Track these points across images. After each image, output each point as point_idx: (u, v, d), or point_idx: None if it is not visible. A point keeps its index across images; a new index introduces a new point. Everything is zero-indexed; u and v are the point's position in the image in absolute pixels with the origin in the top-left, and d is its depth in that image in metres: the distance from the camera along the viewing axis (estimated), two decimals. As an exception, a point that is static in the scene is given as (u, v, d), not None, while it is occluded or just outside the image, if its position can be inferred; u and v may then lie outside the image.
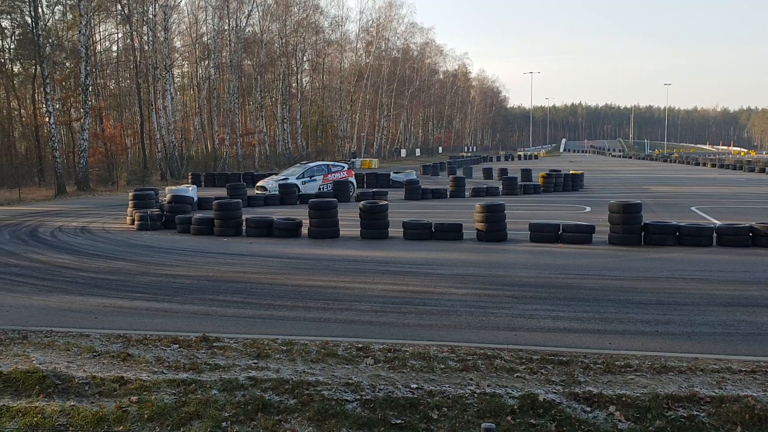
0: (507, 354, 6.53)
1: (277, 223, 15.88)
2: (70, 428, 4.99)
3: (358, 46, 73.73)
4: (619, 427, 4.89)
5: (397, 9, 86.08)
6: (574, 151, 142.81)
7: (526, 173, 36.90)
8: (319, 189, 26.58)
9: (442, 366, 6.14)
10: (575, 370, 6.03)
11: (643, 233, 14.19)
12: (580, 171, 36.34)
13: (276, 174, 30.09)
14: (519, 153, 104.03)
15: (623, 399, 5.30)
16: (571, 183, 32.01)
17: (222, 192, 26.24)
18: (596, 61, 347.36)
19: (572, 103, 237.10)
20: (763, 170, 51.05)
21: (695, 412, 5.08)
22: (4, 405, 5.33)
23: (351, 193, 26.36)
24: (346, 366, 6.17)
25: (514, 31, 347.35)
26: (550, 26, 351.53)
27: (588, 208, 22.21)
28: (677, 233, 14.07)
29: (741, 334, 7.48)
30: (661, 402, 5.26)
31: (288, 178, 26.80)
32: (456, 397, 5.37)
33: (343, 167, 29.49)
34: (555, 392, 5.45)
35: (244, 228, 16.27)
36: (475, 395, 5.40)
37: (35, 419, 5.10)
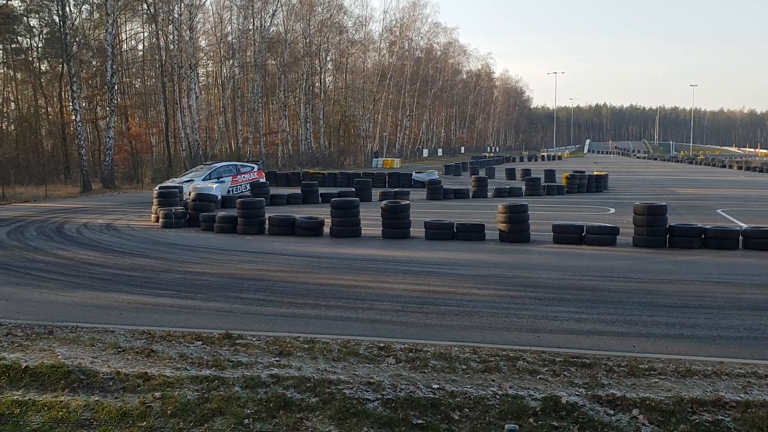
0: (529, 356, 6.50)
1: (300, 221, 15.95)
2: (95, 423, 5.05)
3: (382, 45, 73.83)
4: (642, 430, 4.85)
5: (421, 9, 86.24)
6: (598, 152, 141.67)
7: (550, 174, 36.66)
8: (229, 192, 24.26)
9: (464, 367, 6.12)
10: (598, 373, 5.98)
11: (668, 235, 14.04)
12: (604, 172, 36.04)
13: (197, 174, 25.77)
14: (542, 154, 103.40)
15: (647, 402, 5.25)
16: (595, 184, 31.76)
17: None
18: (621, 62, 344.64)
19: (596, 104, 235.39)
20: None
21: (720, 417, 5.01)
22: (30, 399, 5.41)
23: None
24: (368, 365, 6.18)
25: (538, 31, 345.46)
26: (575, 26, 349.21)
27: (612, 210, 22.02)
28: (703, 236, 13.90)
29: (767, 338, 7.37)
30: (686, 406, 5.20)
31: (193, 180, 24.03)
32: (478, 398, 5.35)
33: (253, 168, 27.20)
34: (578, 395, 5.41)
35: (266, 226, 16.36)
36: (497, 396, 5.38)
37: (60, 413, 5.17)
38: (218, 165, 26.26)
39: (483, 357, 6.40)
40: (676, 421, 4.96)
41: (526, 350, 6.73)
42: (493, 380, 5.78)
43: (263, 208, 16.79)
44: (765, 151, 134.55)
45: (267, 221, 16.41)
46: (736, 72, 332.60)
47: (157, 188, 21.65)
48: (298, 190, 25.75)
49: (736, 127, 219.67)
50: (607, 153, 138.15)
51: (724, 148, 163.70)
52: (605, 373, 5.99)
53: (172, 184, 23.49)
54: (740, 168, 63.13)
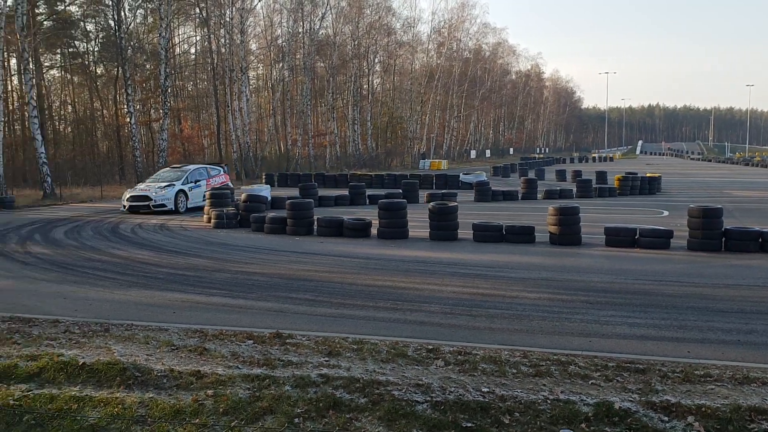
0: (581, 360, 6.40)
1: (348, 222, 16.03)
2: (149, 419, 5.16)
3: (430, 47, 73.74)
4: (698, 438, 4.73)
5: (470, 9, 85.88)
6: (650, 154, 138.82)
7: (601, 175, 36.06)
8: (204, 197, 21.59)
9: (514, 371, 6.06)
10: (652, 379, 5.85)
11: (723, 239, 13.67)
12: (657, 174, 35.28)
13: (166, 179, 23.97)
14: (593, 155, 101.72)
15: (703, 409, 5.12)
16: (648, 186, 31.10)
17: (294, 192, 26.67)
18: (674, 62, 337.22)
19: (649, 105, 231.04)
20: None
21: (781, 426, 4.86)
22: (87, 395, 5.56)
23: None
24: (416, 367, 6.17)
25: (589, 31, 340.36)
26: (627, 25, 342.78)
27: (666, 212, 21.54)
28: (760, 240, 13.48)
29: (832, 346, 7.10)
30: (744, 414, 5.05)
31: (173, 185, 22.83)
32: (528, 402, 5.29)
33: (220, 171, 25.75)
34: (631, 400, 5.31)
35: (315, 227, 16.50)
36: (548, 401, 5.31)
37: (116, 409, 5.30)
38: (191, 168, 24.63)
39: (533, 361, 6.33)
40: (733, 430, 4.83)
41: (577, 355, 6.63)
42: (544, 385, 5.71)
43: (312, 209, 16.94)
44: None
45: (315, 222, 16.55)
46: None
47: (125, 196, 22.97)
48: (345, 192, 25.89)
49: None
50: (659, 154, 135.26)
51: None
52: (659, 378, 5.87)
53: (140, 193, 22.44)
54: (801, 170, 61.06)
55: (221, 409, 5.24)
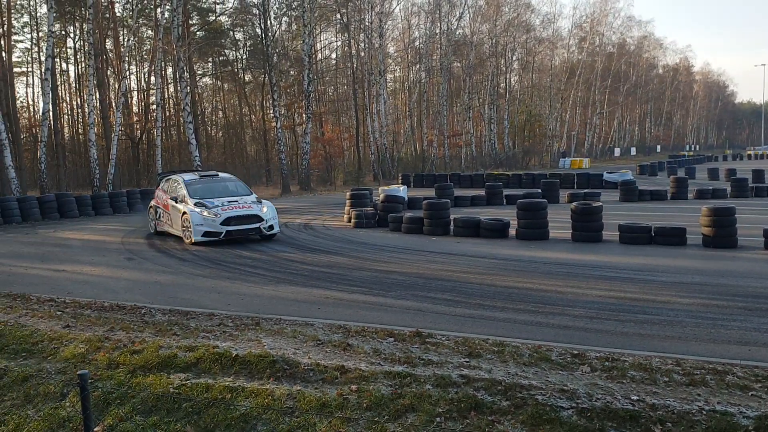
0: (740, 370, 5.97)
1: (485, 223, 15.89)
2: (296, 411, 5.36)
3: (571, 42, 71.69)
4: None
5: (613, 2, 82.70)
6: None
7: (758, 174, 33.47)
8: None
9: (666, 379, 5.76)
10: (824, 394, 5.36)
11: None
12: (826, 171, 32.28)
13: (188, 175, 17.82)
14: (748, 152, 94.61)
15: None
16: (815, 185, 28.51)
17: (430, 192, 26.78)
18: None
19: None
20: None
21: None
22: (239, 385, 5.86)
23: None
24: (561, 372, 6.01)
25: (742, 21, 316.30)
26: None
27: (836, 214, 19.68)
28: None
29: None
30: None
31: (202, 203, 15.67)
32: (682, 412, 5.01)
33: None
34: (801, 417, 4.89)
35: (451, 227, 16.49)
36: (704, 412, 5.00)
37: (266, 401, 5.54)
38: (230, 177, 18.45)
39: (687, 369, 5.98)
40: None
41: (735, 364, 6.20)
42: (699, 394, 5.39)
43: (448, 209, 16.94)
44: None
45: (452, 222, 16.54)
46: None
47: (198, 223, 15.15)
48: (481, 192, 25.66)
49: None
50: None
51: None
52: (832, 394, 5.36)
53: (243, 211, 15.57)
54: None
55: (365, 405, 5.35)
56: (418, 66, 57.24)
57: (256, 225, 15.55)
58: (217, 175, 17.91)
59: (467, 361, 6.29)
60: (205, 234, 15.22)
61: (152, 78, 45.07)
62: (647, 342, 7.13)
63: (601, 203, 15.94)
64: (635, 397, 5.31)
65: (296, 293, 10.00)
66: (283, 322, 7.99)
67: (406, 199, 22.54)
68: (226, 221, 15.23)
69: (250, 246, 15.14)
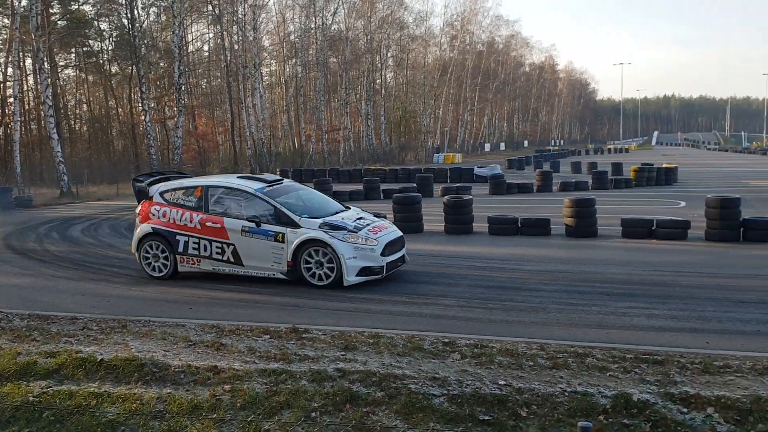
0: (599, 352, 6.36)
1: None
2: (167, 414, 5.19)
3: (443, 40, 73.42)
4: (717, 429, 4.69)
5: (482, 2, 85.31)
6: (666, 145, 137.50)
7: (617, 167, 35.73)
8: None
9: (531, 363, 6.03)
10: (671, 370, 5.80)
11: (742, 229, 13.51)
12: (673, 164, 34.94)
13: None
14: (609, 146, 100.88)
15: (722, 401, 5.06)
16: (665, 177, 30.79)
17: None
18: (689, 52, 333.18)
19: (665, 95, 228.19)
20: None
21: (803, 417, 4.79)
22: (105, 390, 5.60)
23: None
24: (433, 360, 6.16)
25: (603, 22, 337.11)
26: (641, 16, 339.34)
27: (683, 203, 21.35)
28: (780, 229, 13.32)
29: None
30: (764, 405, 5.00)
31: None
32: (546, 395, 5.27)
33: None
34: (650, 392, 5.27)
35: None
36: (566, 393, 5.28)
37: (134, 405, 5.33)
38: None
39: (551, 353, 6.30)
40: (753, 421, 4.78)
41: (595, 347, 6.59)
42: (562, 377, 5.68)
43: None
44: None
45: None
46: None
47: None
48: (360, 187, 25.87)
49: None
50: (676, 145, 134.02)
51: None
52: (678, 370, 5.81)
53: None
54: (820, 158, 60.28)
55: (238, 404, 5.26)
56: (294, 60, 56.81)
57: (403, 251, 10.83)
58: (282, 180, 11.66)
59: (343, 355, 6.32)
60: (362, 271, 9.85)
61: (9, 69, 42.11)
62: (514, 328, 7.45)
63: (471, 197, 16.47)
64: (503, 382, 5.53)
65: (167, 293, 9.67)
66: (152, 324, 7.70)
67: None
68: (384, 250, 10.14)
69: (117, 246, 14.48)
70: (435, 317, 8.02)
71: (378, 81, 63.98)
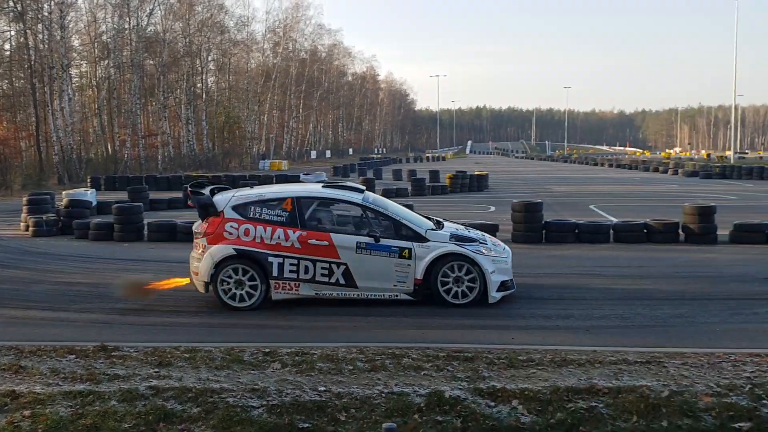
0: (414, 352, 6.58)
1: (182, 227, 15.42)
2: (-45, 448, 4.68)
3: (265, 46, 72.96)
4: (521, 420, 5.00)
5: (304, 10, 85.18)
6: (479, 153, 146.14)
7: (434, 174, 37.48)
8: None
9: (351, 367, 6.12)
10: (480, 366, 6.14)
11: (544, 231, 14.66)
12: (485, 172, 37.23)
13: None
14: (427, 155, 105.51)
15: (526, 393, 5.43)
16: (477, 183, 32.81)
17: (123, 195, 25.29)
18: (500, 65, 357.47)
19: (477, 106, 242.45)
20: (657, 169, 53.72)
21: (594, 404, 5.25)
22: None
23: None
24: (252, 371, 6.06)
25: (421, 35, 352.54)
26: (456, 30, 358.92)
27: (492, 208, 22.77)
28: (576, 231, 14.62)
29: (637, 326, 7.82)
30: (562, 394, 5.42)
31: None
32: (364, 397, 5.36)
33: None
34: (461, 388, 5.53)
35: (145, 232, 15.76)
36: (383, 395, 5.42)
37: None
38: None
39: (369, 356, 6.43)
40: (553, 410, 5.15)
41: (411, 347, 6.81)
42: (379, 379, 5.82)
43: (141, 213, 16.20)
44: (634, 149, 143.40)
45: (146, 227, 15.81)
46: (606, 75, 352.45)
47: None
48: (180, 194, 24.95)
49: (607, 127, 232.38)
50: (487, 153, 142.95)
51: (596, 147, 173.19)
52: (486, 366, 6.16)
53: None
54: (611, 166, 66.81)
55: (40, 430, 4.86)
56: (106, 61, 53.68)
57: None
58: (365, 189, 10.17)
59: (157, 372, 6.04)
60: (501, 286, 8.98)
61: None
62: (336, 334, 7.54)
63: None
64: (322, 388, 5.57)
65: (-43, 314, 8.73)
66: (-62, 349, 6.91)
67: (95, 203, 21.02)
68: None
69: None
70: (257, 327, 7.91)
71: (199, 85, 62.20)
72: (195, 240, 9.19)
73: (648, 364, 6.23)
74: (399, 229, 8.92)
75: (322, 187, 10.06)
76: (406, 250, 8.76)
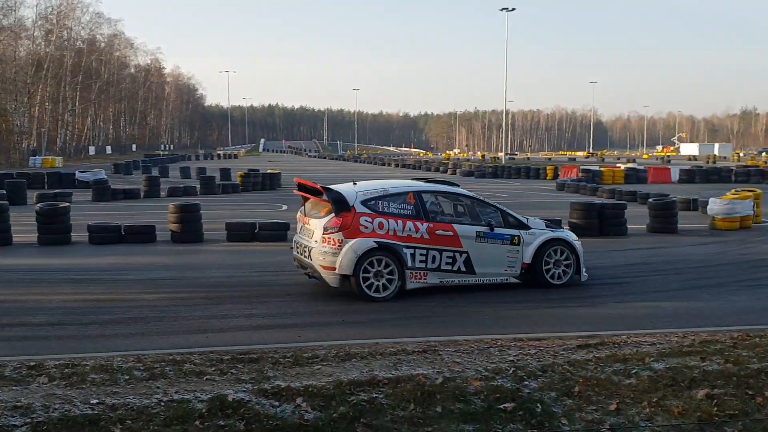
0: (197, 357, 6.39)
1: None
2: None
3: (36, 34, 66.94)
4: (305, 417, 5.04)
5: (81, -3, 79.65)
6: (273, 151, 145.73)
7: (225, 172, 36.75)
8: None
9: (127, 377, 5.80)
10: (265, 366, 6.10)
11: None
12: (277, 170, 37.16)
13: None
14: (218, 152, 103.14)
15: (310, 389, 5.48)
16: (269, 182, 32.66)
17: None
18: (291, 64, 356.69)
19: (270, 104, 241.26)
20: (437, 169, 57.06)
21: (375, 395, 5.42)
22: None
23: None
24: (15, 387, 5.52)
25: (210, 29, 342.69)
26: (246, 27, 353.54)
27: (285, 206, 22.79)
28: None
29: (416, 317, 8.24)
30: (345, 388, 5.54)
31: None
32: (141, 407, 5.10)
33: None
34: (245, 390, 5.46)
35: None
36: (162, 403, 5.19)
37: None
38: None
39: (148, 364, 6.13)
40: (336, 404, 5.25)
41: (194, 352, 6.60)
42: (158, 387, 5.57)
43: None
44: (418, 150, 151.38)
45: None
46: (393, 79, 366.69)
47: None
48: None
49: (394, 128, 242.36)
50: (281, 152, 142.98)
51: (384, 147, 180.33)
52: (272, 365, 6.14)
53: None
54: (397, 165, 69.70)
55: None
56: None
57: None
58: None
59: None
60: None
61: None
62: (111, 342, 7.09)
63: (68, 204, 15.32)
64: (95, 401, 5.21)
65: None
66: None
67: None
68: None
69: None
70: (20, 339, 7.23)
71: (-44, 73, 55.60)
72: (324, 235, 9.12)
73: (424, 353, 6.58)
74: (506, 219, 9.90)
75: (425, 182, 10.70)
76: (516, 237, 9.78)
